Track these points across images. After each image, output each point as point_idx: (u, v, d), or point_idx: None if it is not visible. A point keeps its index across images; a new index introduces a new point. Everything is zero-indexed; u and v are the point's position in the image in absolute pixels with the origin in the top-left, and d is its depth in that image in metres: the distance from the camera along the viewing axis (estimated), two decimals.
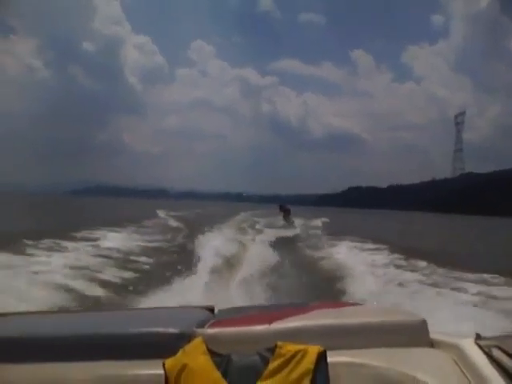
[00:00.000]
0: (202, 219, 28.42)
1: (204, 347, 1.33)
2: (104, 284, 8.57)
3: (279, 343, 1.33)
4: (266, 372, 1.29)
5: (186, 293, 7.34)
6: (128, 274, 9.66)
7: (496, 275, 9.92)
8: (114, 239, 14.65)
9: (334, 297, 8.32)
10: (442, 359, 1.56)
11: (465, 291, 8.57)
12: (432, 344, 1.70)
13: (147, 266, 10.90)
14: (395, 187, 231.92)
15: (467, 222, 59.98)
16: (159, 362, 1.35)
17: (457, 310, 6.68)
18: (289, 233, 22.07)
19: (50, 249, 11.57)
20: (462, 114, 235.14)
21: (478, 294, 8.28)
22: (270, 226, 25.49)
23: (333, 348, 1.45)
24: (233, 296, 7.52)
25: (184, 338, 1.57)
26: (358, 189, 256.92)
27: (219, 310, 2.17)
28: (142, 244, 14.59)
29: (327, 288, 9.23)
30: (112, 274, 9.42)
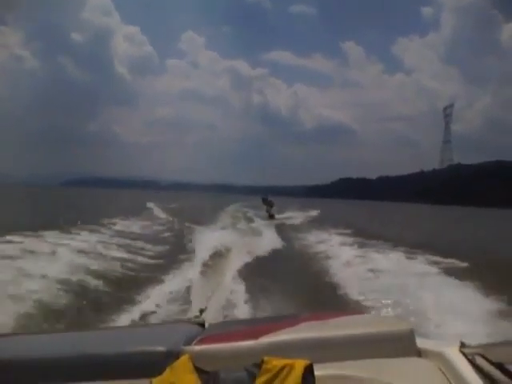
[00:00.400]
0: (194, 212, 29.39)
1: (191, 365, 1.32)
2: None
3: (266, 358, 1.34)
4: None
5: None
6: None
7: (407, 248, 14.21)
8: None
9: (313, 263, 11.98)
10: (427, 368, 1.56)
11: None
12: (419, 353, 1.70)
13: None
14: (384, 178, 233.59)
15: (446, 212, 61.36)
16: (146, 381, 1.35)
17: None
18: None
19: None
20: (451, 106, 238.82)
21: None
22: (261, 217, 26.85)
23: (320, 361, 1.45)
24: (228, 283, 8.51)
25: (171, 356, 1.54)
26: (348, 180, 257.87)
27: (209, 325, 2.17)
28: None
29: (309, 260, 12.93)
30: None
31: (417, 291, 8.04)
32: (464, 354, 1.56)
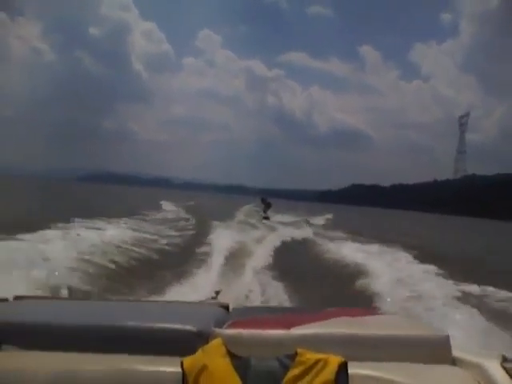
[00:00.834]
0: (208, 212, 30.00)
1: (224, 349, 1.32)
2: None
3: (300, 350, 1.32)
4: (286, 379, 1.28)
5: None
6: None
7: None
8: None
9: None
10: (464, 378, 1.52)
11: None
12: (454, 361, 1.66)
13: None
14: (397, 186, 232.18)
15: (455, 223, 61.25)
16: (176, 359, 1.35)
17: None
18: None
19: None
20: (466, 115, 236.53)
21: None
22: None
23: (353, 359, 1.43)
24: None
25: (202, 337, 1.57)
26: (360, 186, 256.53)
27: (234, 309, 2.18)
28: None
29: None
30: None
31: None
32: (506, 370, 1.51)
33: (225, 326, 1.73)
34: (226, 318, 1.89)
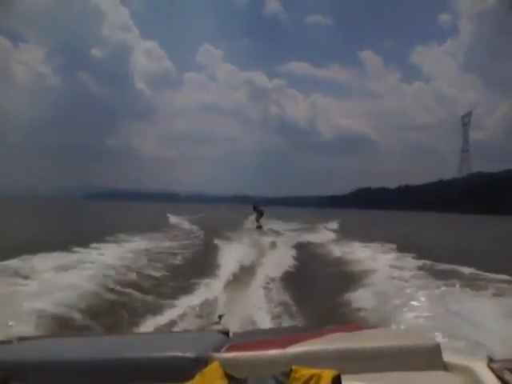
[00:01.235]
0: (215, 223, 30.56)
1: (221, 371, 1.35)
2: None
3: (294, 367, 1.36)
4: None
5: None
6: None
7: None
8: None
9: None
10: (454, 382, 1.57)
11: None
12: (446, 367, 1.71)
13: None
14: (404, 188, 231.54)
15: (461, 221, 61.58)
16: None
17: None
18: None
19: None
20: (469, 114, 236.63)
21: None
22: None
23: (347, 372, 1.46)
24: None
25: (201, 362, 1.58)
26: (366, 190, 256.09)
27: (234, 334, 2.22)
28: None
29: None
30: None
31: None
32: (492, 370, 1.56)
33: (223, 349, 1.80)
34: (226, 343, 1.94)
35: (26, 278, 8.41)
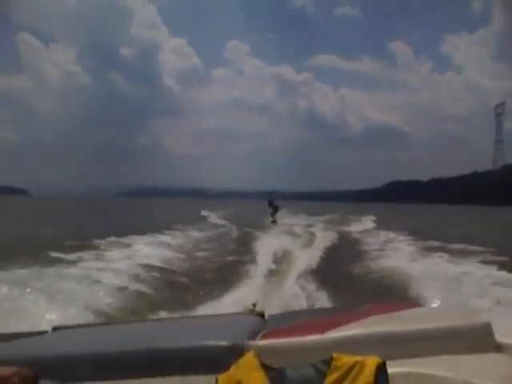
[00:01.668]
0: (250, 217, 31.31)
1: (257, 362, 1.30)
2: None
3: (335, 355, 1.28)
4: None
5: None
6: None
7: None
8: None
9: None
10: (510, 365, 1.46)
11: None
12: (498, 348, 1.59)
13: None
14: (436, 180, 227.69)
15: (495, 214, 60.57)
16: (212, 377, 1.33)
17: None
18: None
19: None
20: (502, 104, 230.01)
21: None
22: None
23: (391, 357, 1.38)
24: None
25: (236, 351, 1.54)
26: (398, 183, 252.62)
27: (269, 316, 2.15)
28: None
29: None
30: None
31: None
32: None
33: (258, 336, 1.72)
34: (262, 326, 1.88)
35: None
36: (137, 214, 44.07)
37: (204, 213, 35.23)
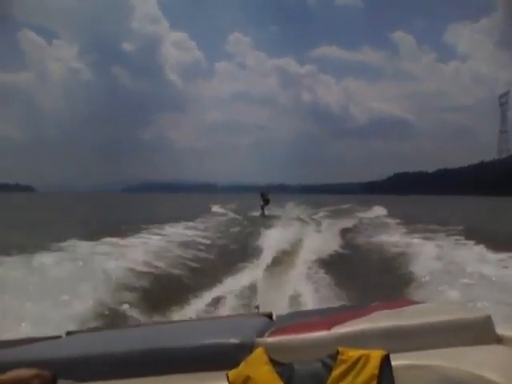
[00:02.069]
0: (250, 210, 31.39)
1: (266, 357, 1.34)
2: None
3: (340, 349, 1.33)
4: (330, 379, 1.28)
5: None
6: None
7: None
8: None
9: None
10: (509, 355, 1.50)
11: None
12: (499, 340, 1.63)
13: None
14: (443, 171, 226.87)
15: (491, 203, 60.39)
16: (222, 373, 1.36)
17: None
18: None
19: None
20: (506, 94, 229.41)
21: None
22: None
23: (396, 351, 1.43)
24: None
25: (245, 349, 1.58)
26: (404, 174, 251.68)
27: (277, 316, 2.20)
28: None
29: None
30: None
31: None
32: None
33: (266, 334, 1.76)
34: (269, 326, 1.91)
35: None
36: (153, 207, 45.63)
37: (214, 208, 35.25)
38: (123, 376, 1.60)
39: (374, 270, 10.34)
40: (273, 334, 1.76)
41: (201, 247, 13.18)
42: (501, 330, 1.68)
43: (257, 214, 29.02)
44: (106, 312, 6.31)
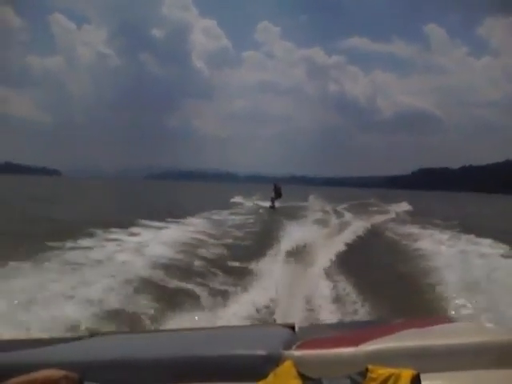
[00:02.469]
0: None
1: (295, 371, 1.32)
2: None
3: (370, 367, 1.30)
4: None
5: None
6: None
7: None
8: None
9: None
10: None
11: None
12: None
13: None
14: (468, 168, 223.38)
15: None
16: None
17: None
18: None
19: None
20: None
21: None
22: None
23: (423, 371, 1.36)
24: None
25: (272, 361, 1.55)
26: (429, 170, 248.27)
27: (300, 328, 2.21)
28: None
29: None
30: None
31: None
32: None
33: (294, 347, 1.74)
34: (293, 338, 1.91)
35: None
36: (192, 196, 48.20)
37: (238, 199, 35.63)
38: (149, 382, 1.60)
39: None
40: (300, 347, 1.73)
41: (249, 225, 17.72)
42: None
43: (286, 204, 29.23)
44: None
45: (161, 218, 15.87)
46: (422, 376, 1.29)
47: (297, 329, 2.14)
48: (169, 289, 7.33)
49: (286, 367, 1.34)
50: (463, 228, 16.24)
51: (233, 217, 21.03)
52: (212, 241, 12.67)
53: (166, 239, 11.46)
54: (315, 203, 30.67)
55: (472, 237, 13.46)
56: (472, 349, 1.60)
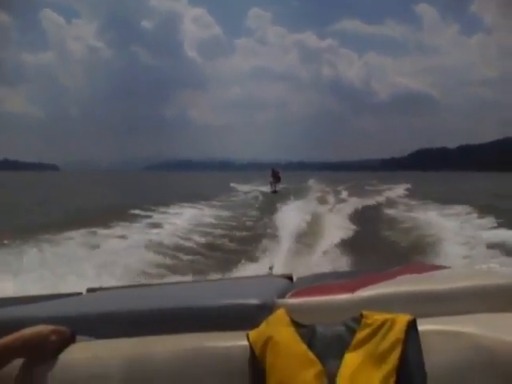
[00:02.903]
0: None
1: (288, 318, 1.31)
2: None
3: (365, 312, 1.29)
4: (354, 343, 1.24)
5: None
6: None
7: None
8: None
9: None
10: None
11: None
12: None
13: None
14: (465, 147, 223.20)
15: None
16: (242, 333, 1.35)
17: None
18: None
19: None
20: None
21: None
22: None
23: (421, 316, 1.34)
24: None
25: (266, 309, 1.54)
26: (426, 151, 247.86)
27: (298, 278, 2.19)
28: None
29: None
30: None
31: None
32: None
33: (287, 295, 1.73)
34: (290, 288, 1.89)
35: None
36: (197, 184, 48.10)
37: (241, 186, 35.72)
38: (143, 333, 1.57)
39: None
40: (294, 295, 1.70)
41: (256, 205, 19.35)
42: None
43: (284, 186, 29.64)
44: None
45: (193, 201, 19.19)
46: (420, 320, 1.28)
47: (295, 279, 2.14)
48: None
49: (279, 315, 1.33)
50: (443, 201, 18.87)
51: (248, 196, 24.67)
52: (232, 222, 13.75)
53: (209, 213, 15.32)
54: (316, 185, 30.76)
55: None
56: (470, 293, 1.58)
